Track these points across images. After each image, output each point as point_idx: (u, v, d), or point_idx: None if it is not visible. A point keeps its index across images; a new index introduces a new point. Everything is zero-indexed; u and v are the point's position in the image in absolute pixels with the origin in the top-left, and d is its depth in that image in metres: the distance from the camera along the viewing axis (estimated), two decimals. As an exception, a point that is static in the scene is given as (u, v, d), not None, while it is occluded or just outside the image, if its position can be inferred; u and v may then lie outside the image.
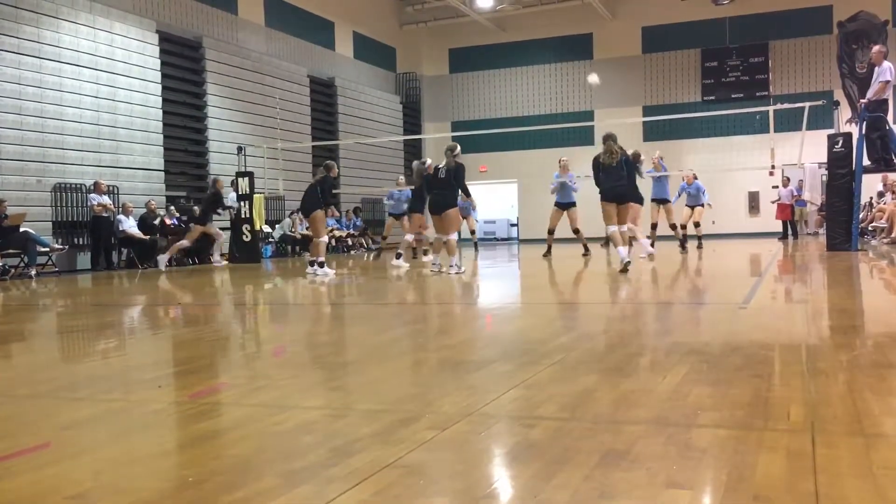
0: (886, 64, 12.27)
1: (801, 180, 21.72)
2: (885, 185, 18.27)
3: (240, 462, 2.26)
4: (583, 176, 13.50)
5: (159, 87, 16.91)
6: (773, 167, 13.41)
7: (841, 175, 12.62)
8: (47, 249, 13.65)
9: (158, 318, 6.92)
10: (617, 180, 9.51)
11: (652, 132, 25.28)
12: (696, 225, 15.94)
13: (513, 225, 28.69)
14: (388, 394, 3.16)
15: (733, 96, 24.78)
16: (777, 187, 20.84)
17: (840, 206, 12.63)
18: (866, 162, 12.85)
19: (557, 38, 27.01)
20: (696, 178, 15.94)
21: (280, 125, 20.14)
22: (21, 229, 13.07)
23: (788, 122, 18.92)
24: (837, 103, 13.55)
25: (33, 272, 12.98)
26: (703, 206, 15.96)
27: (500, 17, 26.82)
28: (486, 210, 25.67)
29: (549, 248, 14.33)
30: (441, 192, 10.35)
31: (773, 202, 21.55)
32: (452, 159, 10.23)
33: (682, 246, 15.20)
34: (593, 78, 15.98)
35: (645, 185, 13.01)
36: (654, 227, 14.44)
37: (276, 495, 1.91)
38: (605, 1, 25.38)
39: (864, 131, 12.51)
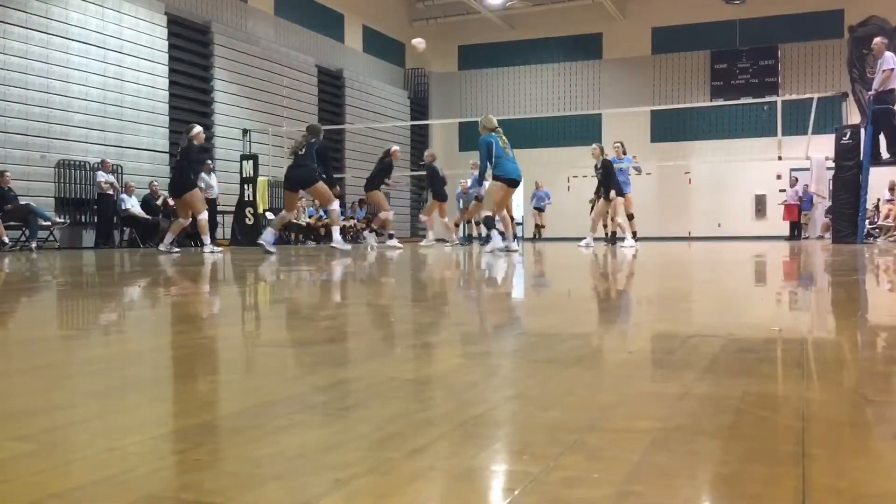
0: (888, 54, 12.23)
1: (807, 184, 21.61)
2: (891, 189, 18.14)
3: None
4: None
5: (166, 69, 16.92)
6: (780, 158, 13.33)
7: (848, 167, 12.54)
8: (49, 224, 13.63)
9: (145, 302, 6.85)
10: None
11: (659, 133, 25.21)
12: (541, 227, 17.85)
13: (518, 223, 28.58)
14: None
15: (742, 99, 24.70)
16: (781, 177, 20.71)
17: (846, 198, 12.53)
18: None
19: (567, 37, 26.98)
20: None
21: (286, 113, 20.15)
22: (22, 202, 13.07)
23: (796, 126, 18.80)
24: (846, 95, 13.47)
25: (34, 245, 12.96)
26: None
27: (510, 15, 26.81)
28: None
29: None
30: None
31: (780, 204, 21.47)
32: None
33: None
34: (418, 42, 15.35)
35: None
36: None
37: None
38: (616, 1, 25.34)
39: (871, 123, 12.43)
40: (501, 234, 10.33)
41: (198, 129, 11.11)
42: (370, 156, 23.40)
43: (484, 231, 13.15)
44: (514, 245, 10.70)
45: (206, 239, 11.12)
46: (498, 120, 10.31)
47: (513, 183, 10.37)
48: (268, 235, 10.29)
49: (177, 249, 11.58)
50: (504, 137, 10.32)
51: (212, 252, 10.66)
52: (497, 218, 10.50)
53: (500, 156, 10.20)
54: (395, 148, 13.95)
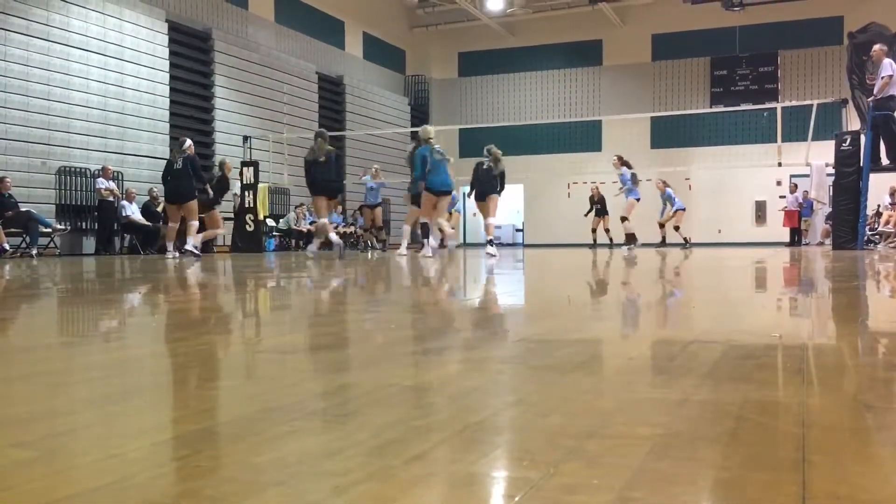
0: (886, 60, 12.27)
1: (807, 190, 21.62)
2: (891, 195, 18.13)
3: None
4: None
5: (167, 76, 16.95)
6: (780, 164, 13.35)
7: (848, 173, 12.55)
8: (49, 230, 13.64)
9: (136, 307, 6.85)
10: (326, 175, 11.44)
11: (659, 140, 25.22)
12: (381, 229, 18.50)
13: (518, 230, 28.61)
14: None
15: (742, 106, 24.73)
16: (781, 183, 20.73)
17: (847, 204, 12.54)
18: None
19: (567, 43, 27.01)
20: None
21: (287, 120, 20.18)
22: (23, 208, 13.08)
23: (796, 132, 18.82)
24: (846, 101, 13.50)
25: (34, 252, 12.95)
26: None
27: (511, 22, 26.85)
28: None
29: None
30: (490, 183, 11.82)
31: (780, 210, 21.47)
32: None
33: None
34: None
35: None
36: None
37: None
38: (616, 7, 25.37)
39: (870, 129, 12.44)
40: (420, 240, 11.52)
41: (190, 141, 12.23)
42: (370, 162, 23.41)
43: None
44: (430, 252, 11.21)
45: (191, 240, 11.84)
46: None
47: (439, 193, 11.15)
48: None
49: (197, 253, 11.79)
50: (437, 147, 11.06)
51: (192, 253, 11.52)
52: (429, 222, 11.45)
53: (432, 167, 10.94)
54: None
